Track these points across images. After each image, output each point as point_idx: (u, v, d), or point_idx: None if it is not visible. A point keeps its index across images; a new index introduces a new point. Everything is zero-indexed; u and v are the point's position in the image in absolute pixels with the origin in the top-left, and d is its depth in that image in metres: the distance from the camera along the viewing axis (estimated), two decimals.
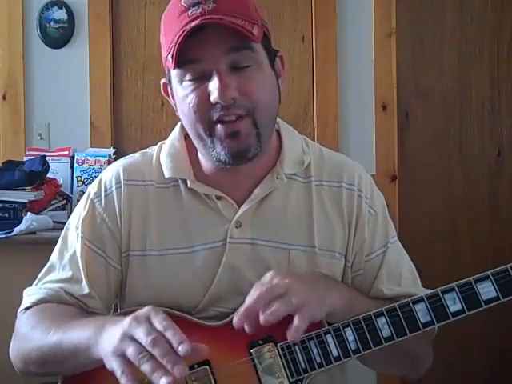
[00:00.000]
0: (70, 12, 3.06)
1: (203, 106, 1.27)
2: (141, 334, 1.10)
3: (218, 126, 1.27)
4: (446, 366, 3.09)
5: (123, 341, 1.11)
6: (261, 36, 1.29)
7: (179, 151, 1.42)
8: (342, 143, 3.09)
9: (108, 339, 1.15)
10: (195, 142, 1.35)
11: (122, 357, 1.10)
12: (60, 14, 3.05)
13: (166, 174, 1.40)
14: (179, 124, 1.47)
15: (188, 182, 1.38)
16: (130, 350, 1.09)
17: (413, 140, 3.19)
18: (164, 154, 1.43)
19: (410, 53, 3.17)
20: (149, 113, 3.14)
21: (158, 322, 1.11)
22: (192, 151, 1.42)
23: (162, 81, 1.41)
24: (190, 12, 1.25)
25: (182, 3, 1.27)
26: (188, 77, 1.28)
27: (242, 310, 1.19)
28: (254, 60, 1.28)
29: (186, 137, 1.44)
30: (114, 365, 1.11)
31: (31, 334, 1.33)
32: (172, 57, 1.25)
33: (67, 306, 1.37)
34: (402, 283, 1.44)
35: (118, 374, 1.10)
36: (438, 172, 3.21)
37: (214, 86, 1.25)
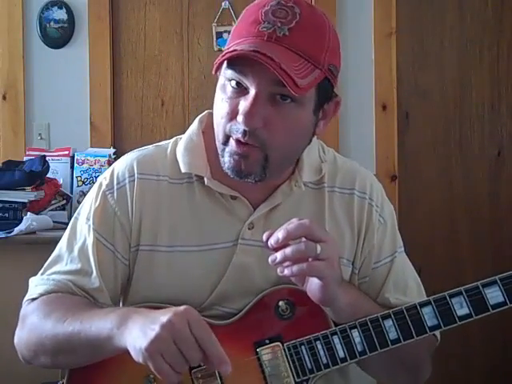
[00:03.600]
0: (70, 12, 3.07)
1: (230, 117, 1.27)
2: (179, 336, 1.10)
3: (232, 141, 1.27)
4: (445, 365, 3.09)
5: (160, 340, 1.10)
6: (313, 84, 1.24)
7: (197, 146, 1.41)
8: (341, 143, 3.09)
9: (138, 331, 1.14)
10: (216, 139, 1.34)
11: (160, 356, 1.10)
12: (60, 14, 3.06)
13: (183, 169, 1.39)
14: (197, 119, 1.46)
15: (205, 179, 1.37)
16: (168, 353, 1.10)
17: (413, 140, 3.19)
18: (181, 148, 1.41)
19: (410, 53, 3.17)
20: (149, 113, 3.15)
21: (197, 329, 1.11)
22: (210, 148, 1.40)
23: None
24: (261, 26, 1.22)
25: (262, 12, 1.24)
26: (233, 81, 1.26)
27: (279, 230, 1.19)
28: (296, 99, 1.25)
29: (205, 132, 1.43)
30: (151, 363, 1.11)
31: (44, 324, 1.31)
32: (218, 61, 1.23)
33: (79, 297, 1.36)
34: (408, 293, 1.44)
35: (158, 373, 1.11)
36: (438, 172, 3.21)
37: (243, 107, 1.24)
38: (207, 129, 1.43)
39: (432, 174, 3.21)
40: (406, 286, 1.44)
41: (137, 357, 1.13)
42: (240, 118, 1.23)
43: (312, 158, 1.42)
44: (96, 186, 1.44)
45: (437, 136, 3.21)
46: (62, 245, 1.43)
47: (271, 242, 1.18)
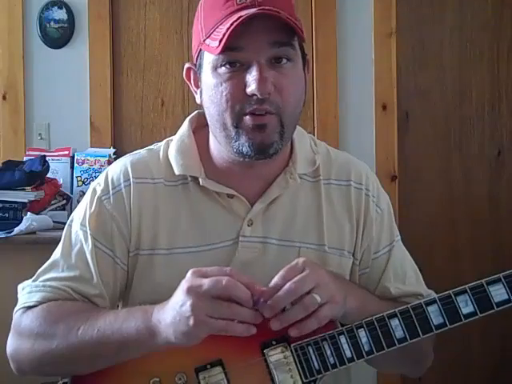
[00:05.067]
0: (70, 12, 3.06)
1: (237, 96, 1.26)
2: (206, 289, 1.14)
3: (247, 117, 1.26)
4: (445, 365, 3.09)
5: (197, 306, 1.14)
6: (302, 35, 1.29)
7: (189, 148, 1.41)
8: (342, 143, 3.09)
9: (173, 321, 1.17)
10: (216, 131, 1.32)
11: (211, 318, 1.14)
12: (60, 14, 3.05)
13: (177, 171, 1.38)
14: (187, 119, 1.46)
15: (200, 179, 1.37)
16: (212, 309, 1.14)
17: (413, 140, 3.19)
18: (173, 150, 1.41)
19: (409, 53, 3.17)
20: (149, 113, 3.14)
21: (211, 272, 1.18)
22: (202, 147, 1.40)
23: (186, 65, 1.40)
24: (238, 0, 1.25)
25: None
26: (226, 64, 1.26)
27: (269, 302, 1.18)
28: (292, 58, 1.28)
29: (195, 132, 1.43)
30: (213, 330, 1.15)
31: (53, 333, 1.28)
32: (220, 41, 1.23)
33: (80, 302, 1.34)
34: (407, 282, 1.46)
35: (227, 331, 1.15)
36: (438, 172, 3.21)
37: (253, 77, 1.24)
38: (198, 129, 1.44)
39: (432, 174, 3.21)
40: (405, 274, 1.46)
41: (193, 339, 1.16)
42: (253, 87, 1.23)
43: (305, 150, 1.44)
44: (89, 192, 1.42)
45: (437, 136, 3.21)
46: (57, 252, 1.40)
47: (266, 315, 1.18)
